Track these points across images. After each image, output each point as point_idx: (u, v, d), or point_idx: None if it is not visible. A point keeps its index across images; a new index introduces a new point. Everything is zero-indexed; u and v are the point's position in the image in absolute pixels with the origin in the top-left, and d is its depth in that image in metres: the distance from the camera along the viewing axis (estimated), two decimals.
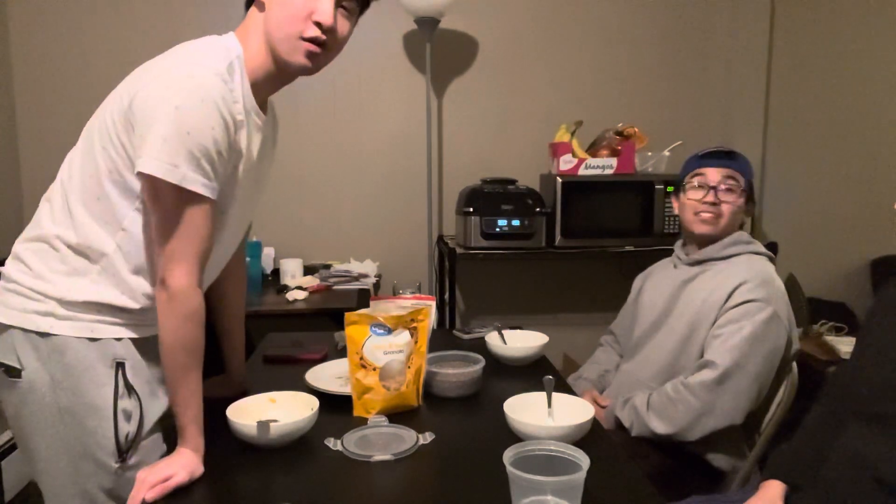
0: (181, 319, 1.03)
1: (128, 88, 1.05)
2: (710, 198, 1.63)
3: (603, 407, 1.68)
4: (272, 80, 1.15)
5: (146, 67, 1.08)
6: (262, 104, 1.18)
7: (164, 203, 1.02)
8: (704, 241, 1.67)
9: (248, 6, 1.14)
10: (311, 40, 1.08)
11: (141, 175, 1.01)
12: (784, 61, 3.15)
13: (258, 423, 1.11)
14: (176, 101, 0.98)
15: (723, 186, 1.63)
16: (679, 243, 1.79)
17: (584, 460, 0.93)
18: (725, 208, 1.63)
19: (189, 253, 1.03)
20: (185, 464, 1.03)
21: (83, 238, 1.09)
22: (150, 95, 1.00)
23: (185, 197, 1.01)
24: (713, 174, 1.64)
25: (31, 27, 2.82)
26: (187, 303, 1.04)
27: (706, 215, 1.63)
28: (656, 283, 1.78)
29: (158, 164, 0.98)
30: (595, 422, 1.20)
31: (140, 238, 1.09)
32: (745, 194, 1.65)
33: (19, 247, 1.14)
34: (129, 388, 1.12)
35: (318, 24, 1.07)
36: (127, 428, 1.11)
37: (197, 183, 1.01)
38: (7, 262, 1.15)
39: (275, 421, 1.12)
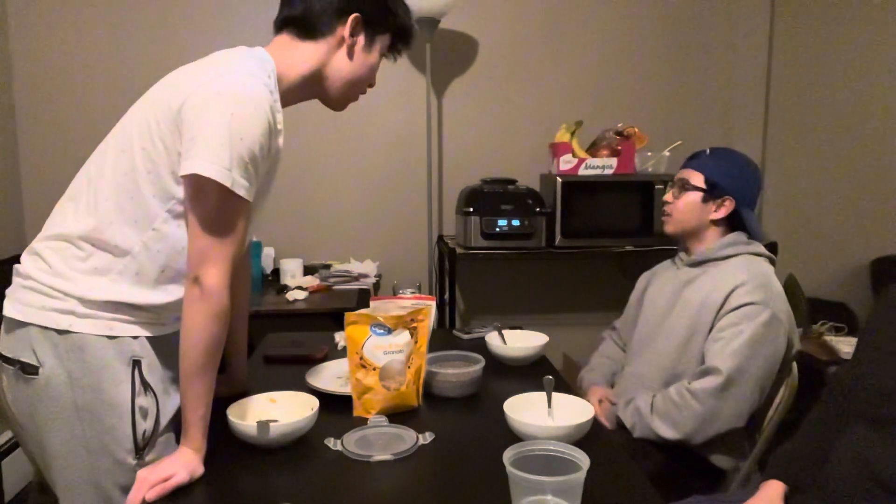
0: (211, 318, 1.05)
1: (176, 91, 1.07)
2: (667, 197, 1.74)
3: (613, 403, 1.68)
4: (295, 99, 1.23)
5: (193, 72, 1.11)
6: None
7: (207, 204, 1.04)
8: (681, 240, 1.75)
9: (280, 29, 1.21)
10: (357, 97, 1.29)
11: (187, 176, 1.03)
12: (784, 62, 3.15)
13: (258, 423, 1.11)
14: (231, 109, 1.02)
15: (675, 187, 1.72)
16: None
17: (584, 460, 0.93)
18: (672, 206, 1.71)
19: (224, 253, 1.06)
20: (185, 463, 1.03)
21: (109, 236, 1.09)
22: (204, 101, 1.03)
23: (229, 199, 1.04)
24: (678, 174, 1.74)
25: (31, 28, 2.82)
26: (219, 302, 1.05)
27: (663, 217, 1.75)
28: (659, 284, 1.78)
29: (215, 167, 1.01)
30: (595, 422, 1.20)
31: (169, 238, 1.11)
32: (698, 189, 1.66)
33: (39, 245, 1.14)
34: (146, 386, 1.13)
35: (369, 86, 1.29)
36: (144, 425, 1.12)
37: (242, 187, 1.05)
38: (24, 258, 1.15)
39: (275, 421, 1.12)
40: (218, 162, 1.01)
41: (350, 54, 1.21)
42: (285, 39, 1.20)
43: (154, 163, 1.07)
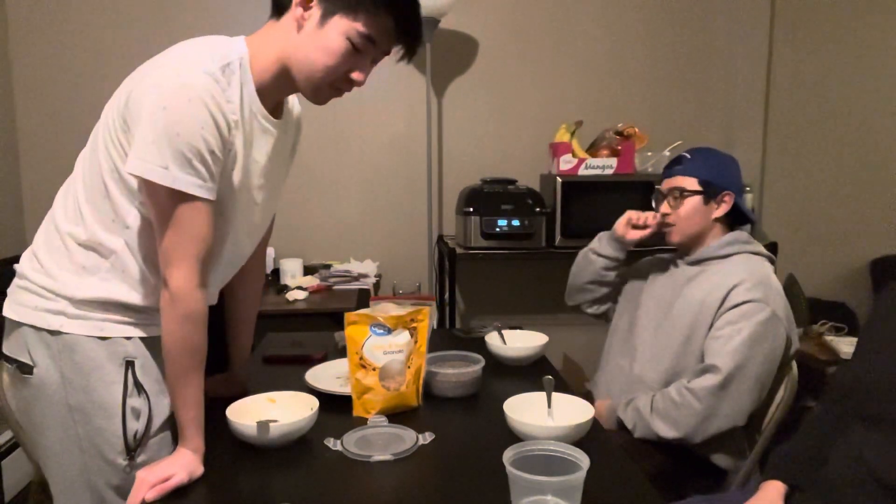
0: (181, 320, 1.03)
1: (126, 87, 1.06)
2: (664, 208, 1.72)
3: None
4: (280, 89, 1.14)
5: (145, 65, 1.08)
6: (276, 107, 1.17)
7: (158, 204, 1.02)
8: (679, 248, 1.74)
9: (275, 12, 1.12)
10: (338, 90, 1.13)
11: (134, 175, 1.01)
12: (784, 62, 3.15)
13: (258, 423, 1.11)
14: (163, 102, 0.98)
15: (669, 197, 1.71)
16: None
17: (584, 460, 0.93)
18: (673, 217, 1.70)
19: (187, 253, 1.03)
20: (184, 464, 1.03)
21: (92, 235, 1.09)
22: (141, 95, 1.01)
23: (179, 198, 1.01)
24: (664, 186, 1.74)
25: (31, 27, 2.82)
26: (187, 303, 1.03)
27: (664, 229, 1.73)
28: (659, 283, 1.77)
29: (146, 166, 0.98)
30: (595, 422, 1.20)
31: (145, 236, 1.10)
32: (697, 192, 1.65)
33: (36, 242, 1.14)
34: (139, 387, 1.12)
35: (351, 81, 1.11)
36: (135, 426, 1.12)
37: (189, 184, 1.00)
38: (23, 256, 1.15)
39: (275, 421, 1.12)
40: (151, 160, 0.98)
41: (303, 34, 1.07)
42: (267, 24, 1.12)
43: (114, 161, 1.06)
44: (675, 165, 1.72)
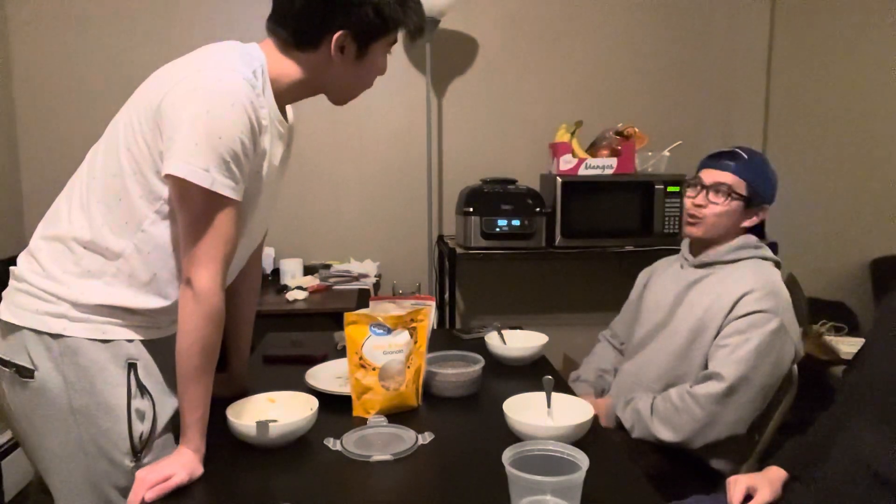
0: (204, 320, 1.04)
1: (156, 89, 1.06)
2: (699, 199, 1.62)
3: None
4: (293, 95, 1.18)
5: (174, 68, 1.08)
6: (282, 112, 1.19)
7: (192, 205, 1.03)
8: (696, 242, 1.67)
9: (269, 33, 1.15)
10: None
11: (170, 177, 1.02)
12: (784, 61, 3.15)
13: (258, 423, 1.11)
14: (207, 106, 1.00)
15: (711, 191, 1.61)
16: (685, 242, 1.75)
17: (583, 460, 0.93)
18: (708, 211, 1.60)
19: (215, 255, 1.04)
20: (184, 464, 1.03)
21: (100, 238, 1.09)
22: (181, 98, 1.01)
23: (214, 200, 1.03)
24: (708, 176, 1.63)
25: (31, 27, 2.82)
26: (212, 303, 1.04)
27: (689, 217, 1.64)
28: (662, 283, 1.75)
29: (190, 168, 1.00)
30: (595, 421, 1.20)
31: (159, 240, 1.10)
32: (743, 198, 1.59)
33: (35, 244, 1.14)
34: (142, 388, 1.12)
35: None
36: (141, 427, 1.12)
37: (226, 187, 1.02)
38: (20, 259, 1.15)
39: (274, 421, 1.12)
40: (194, 163, 0.99)
41: (341, 68, 1.15)
42: (275, 45, 1.15)
43: (138, 163, 1.06)
44: (727, 160, 1.62)
